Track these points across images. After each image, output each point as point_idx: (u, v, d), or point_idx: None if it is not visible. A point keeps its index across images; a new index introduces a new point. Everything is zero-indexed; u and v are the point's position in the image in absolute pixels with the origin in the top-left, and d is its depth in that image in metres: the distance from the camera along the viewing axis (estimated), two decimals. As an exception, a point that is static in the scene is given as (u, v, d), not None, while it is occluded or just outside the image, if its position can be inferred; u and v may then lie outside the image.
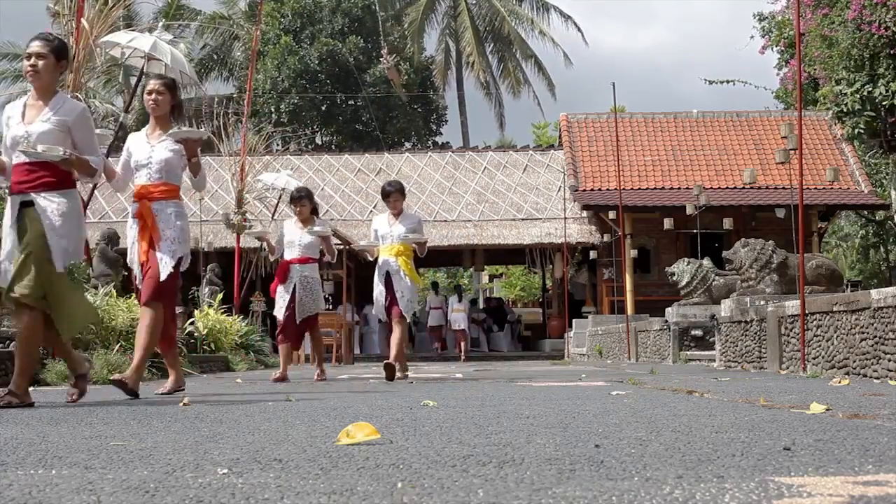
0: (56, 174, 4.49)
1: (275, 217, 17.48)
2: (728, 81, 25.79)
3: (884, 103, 18.19)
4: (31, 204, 4.45)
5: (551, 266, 24.74)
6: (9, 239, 4.48)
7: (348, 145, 31.88)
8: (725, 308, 10.31)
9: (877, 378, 6.07)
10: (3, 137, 4.66)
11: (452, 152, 26.32)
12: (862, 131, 19.37)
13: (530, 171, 25.00)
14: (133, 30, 10.42)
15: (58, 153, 4.41)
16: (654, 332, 13.56)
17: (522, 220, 23.25)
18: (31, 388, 4.68)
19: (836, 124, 22.55)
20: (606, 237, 21.22)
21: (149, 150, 5.44)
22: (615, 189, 18.42)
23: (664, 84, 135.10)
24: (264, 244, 8.88)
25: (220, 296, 14.50)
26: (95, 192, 8.81)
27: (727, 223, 19.51)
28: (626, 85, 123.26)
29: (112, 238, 12.19)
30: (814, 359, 7.34)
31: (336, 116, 33.33)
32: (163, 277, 5.26)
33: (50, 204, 4.44)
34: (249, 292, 17.04)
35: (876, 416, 3.26)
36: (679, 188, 22.23)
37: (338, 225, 20.26)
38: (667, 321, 12.78)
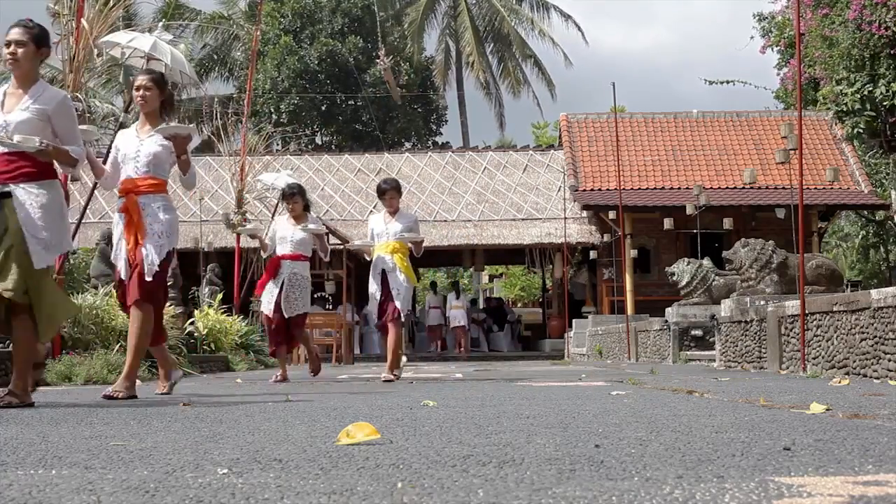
0: (36, 164, 4.36)
1: (275, 217, 17.46)
2: (728, 81, 25.81)
3: (884, 103, 18.19)
4: (10, 195, 4.29)
5: (551, 266, 24.75)
6: None
7: (348, 145, 31.87)
8: (725, 308, 10.31)
9: (877, 378, 6.07)
10: None
11: (452, 152, 26.32)
12: (862, 131, 19.37)
13: (530, 171, 25.00)
14: (133, 30, 10.42)
15: (33, 143, 4.27)
16: (654, 332, 13.56)
17: (522, 220, 23.25)
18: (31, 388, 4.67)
19: (836, 124, 22.56)
20: (606, 237, 21.22)
21: (137, 143, 5.35)
22: (615, 189, 18.42)
23: (664, 84, 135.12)
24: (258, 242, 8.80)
25: (220, 296, 14.50)
26: (95, 192, 8.80)
27: (727, 223, 19.51)
28: (626, 85, 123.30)
29: (112, 238, 12.16)
30: (814, 359, 7.34)
31: (336, 116, 33.33)
32: (149, 277, 5.14)
33: (29, 196, 4.30)
34: (249, 292, 17.02)
35: (876, 416, 3.26)
36: (679, 188, 22.23)
37: (338, 225, 20.28)
38: (667, 321, 12.78)
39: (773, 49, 24.58)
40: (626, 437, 2.63)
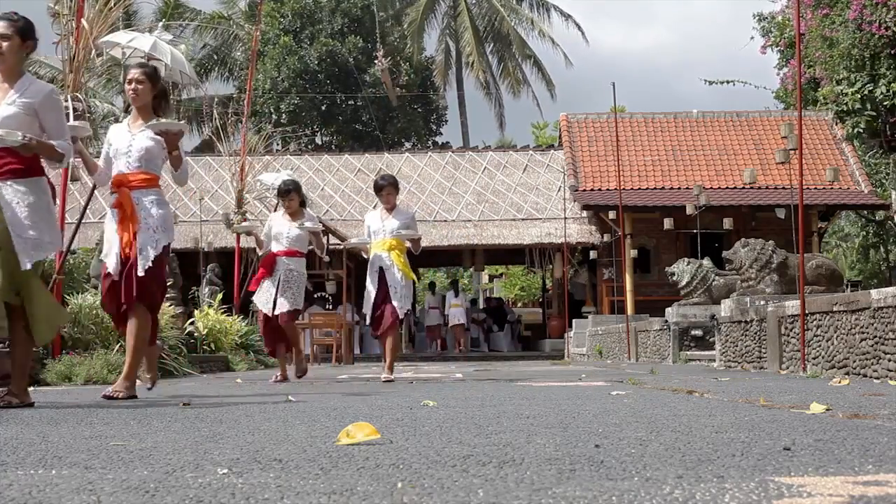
0: (23, 161, 4.25)
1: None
2: (728, 81, 25.80)
3: (885, 103, 18.19)
4: None
5: (551, 266, 24.74)
6: None
7: (348, 145, 31.87)
8: (725, 308, 10.31)
9: (877, 378, 6.07)
10: None
11: (452, 152, 26.32)
12: (862, 131, 19.37)
13: (530, 171, 25.00)
14: (133, 30, 10.41)
15: (16, 138, 4.15)
16: (654, 332, 13.56)
17: (522, 220, 23.25)
18: (30, 388, 4.67)
19: (836, 124, 22.56)
20: (606, 237, 21.22)
21: (129, 138, 5.25)
22: (615, 189, 18.42)
23: (664, 84, 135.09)
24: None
25: (220, 296, 14.50)
26: (95, 191, 8.79)
27: (727, 223, 19.51)
28: (626, 85, 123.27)
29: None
30: (814, 359, 7.34)
31: (336, 116, 33.33)
32: (141, 271, 5.03)
33: (16, 194, 4.21)
34: (249, 292, 17.02)
35: (876, 416, 3.26)
36: (679, 188, 22.23)
37: (338, 225, 20.27)
38: (667, 321, 12.78)
39: (773, 49, 24.57)
40: (626, 437, 2.63)
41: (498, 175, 24.86)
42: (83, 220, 9.17)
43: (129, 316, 5.12)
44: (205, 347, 11.61)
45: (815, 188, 21.15)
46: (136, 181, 5.18)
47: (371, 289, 7.58)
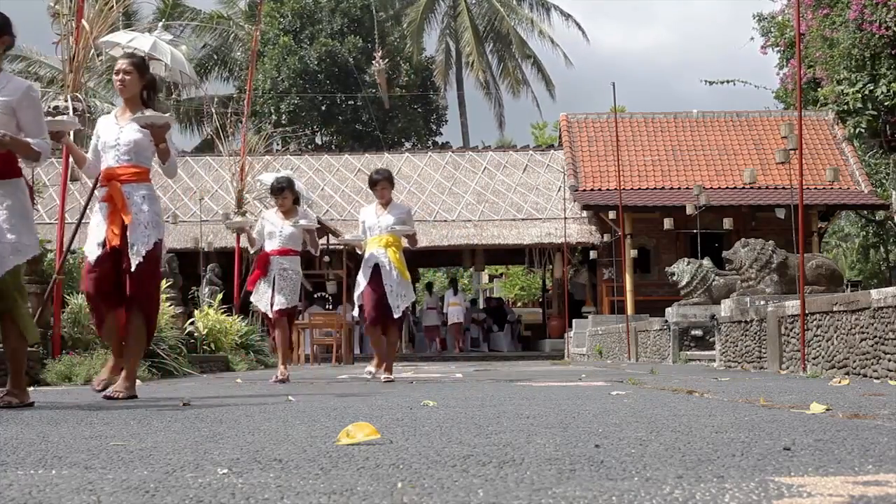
0: (0, 161, 4.14)
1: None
2: (728, 81, 25.82)
3: (885, 103, 18.20)
4: None
5: (551, 266, 24.75)
6: None
7: (348, 145, 31.88)
8: (725, 308, 10.31)
9: (877, 378, 6.07)
10: None
11: (452, 152, 26.32)
12: (864, 130, 19.39)
13: (530, 171, 25.01)
14: (133, 30, 10.41)
15: None
16: (654, 332, 13.56)
17: (522, 220, 23.25)
18: (30, 388, 4.67)
19: (837, 124, 22.56)
20: (606, 237, 21.22)
21: (117, 131, 5.12)
22: (615, 189, 18.43)
23: (664, 84, 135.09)
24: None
25: (220, 296, 14.50)
26: (95, 191, 8.79)
27: (727, 223, 19.51)
28: (626, 85, 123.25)
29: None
30: (814, 359, 7.34)
31: (336, 116, 33.33)
32: (133, 267, 4.92)
33: None
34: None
35: (876, 416, 3.26)
36: (679, 188, 22.23)
37: (338, 225, 20.28)
38: (667, 321, 12.78)
39: (773, 49, 24.58)
40: (626, 437, 2.63)
41: (498, 175, 24.87)
42: (83, 220, 9.16)
43: (126, 319, 5.06)
44: (205, 347, 11.61)
45: (815, 188, 21.15)
46: (127, 175, 5.07)
47: (362, 280, 7.43)
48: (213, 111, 18.32)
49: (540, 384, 6.57)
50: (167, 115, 5.14)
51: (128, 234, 4.98)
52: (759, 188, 21.86)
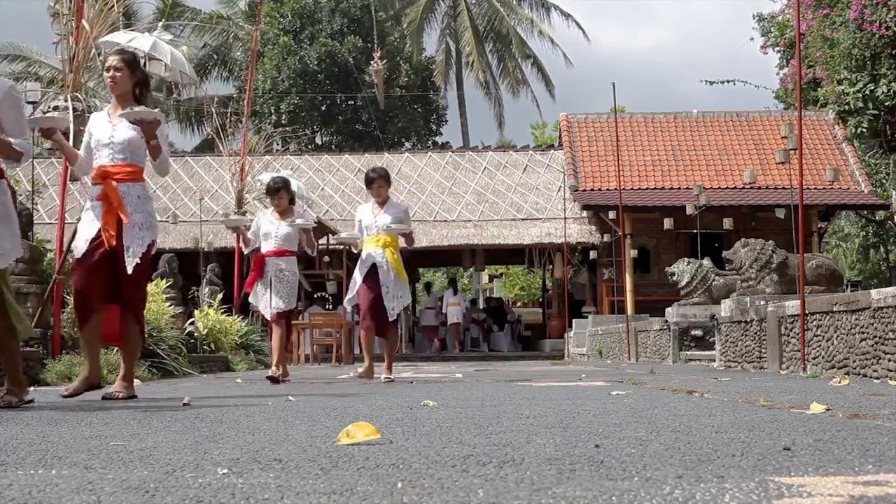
0: None
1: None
2: (728, 81, 25.82)
3: (886, 103, 18.20)
4: None
5: (551, 266, 24.75)
6: None
7: (348, 145, 31.88)
8: (725, 308, 10.31)
9: (877, 378, 6.07)
10: None
11: (452, 152, 26.32)
12: (865, 130, 19.40)
13: (530, 171, 25.01)
14: (133, 30, 10.42)
15: None
16: (654, 332, 13.56)
17: (522, 220, 23.26)
18: (30, 388, 4.67)
19: (838, 124, 22.56)
20: (606, 237, 21.23)
21: (110, 129, 5.05)
22: (615, 189, 18.43)
23: (664, 84, 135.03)
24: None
25: (220, 296, 14.50)
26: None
27: (727, 223, 19.51)
28: (626, 85, 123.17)
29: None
30: (814, 359, 7.34)
31: (336, 116, 33.34)
32: (129, 269, 4.88)
33: None
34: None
35: (876, 416, 3.26)
36: (679, 188, 22.23)
37: (338, 225, 20.27)
38: (667, 321, 12.78)
39: (773, 49, 24.59)
40: (626, 437, 2.63)
41: (498, 175, 24.87)
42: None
43: (123, 318, 5.04)
44: (205, 347, 11.61)
45: (815, 188, 21.16)
46: (121, 174, 5.00)
47: (358, 278, 7.37)
48: (213, 111, 18.31)
49: (540, 384, 6.57)
50: (156, 110, 5.07)
51: (123, 235, 4.93)
52: (759, 188, 21.86)
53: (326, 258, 21.89)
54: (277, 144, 26.98)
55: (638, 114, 25.20)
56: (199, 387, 6.81)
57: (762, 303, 9.55)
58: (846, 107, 18.73)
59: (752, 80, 45.43)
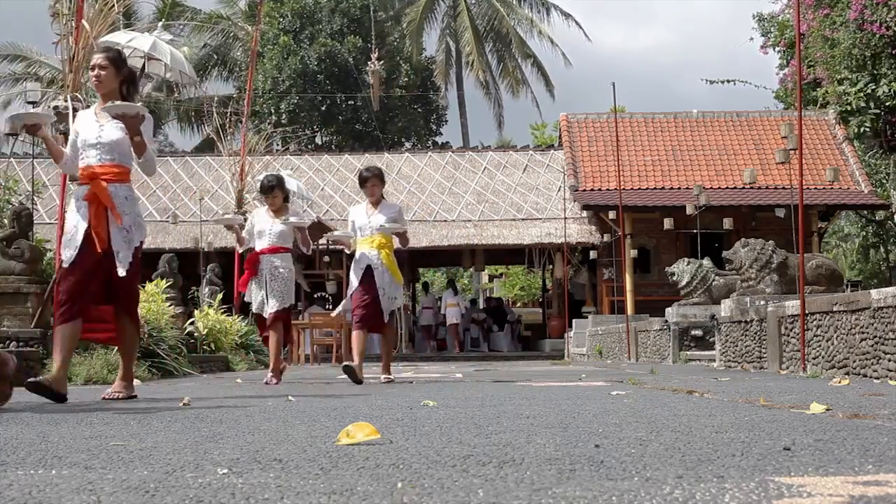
0: None
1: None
2: (728, 81, 25.83)
3: (887, 103, 18.21)
4: None
5: (551, 266, 24.75)
6: None
7: (348, 145, 31.89)
8: (725, 308, 10.31)
9: (877, 378, 6.07)
10: None
11: (452, 152, 26.33)
12: (867, 130, 19.40)
13: (530, 171, 25.01)
14: (133, 30, 10.42)
15: None
16: (654, 332, 13.56)
17: (522, 220, 23.26)
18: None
19: (838, 124, 22.56)
20: (606, 237, 21.23)
21: (97, 129, 4.94)
22: (615, 189, 18.43)
23: (664, 84, 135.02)
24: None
25: (220, 296, 14.50)
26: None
27: (727, 223, 19.51)
28: (626, 85, 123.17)
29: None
30: (814, 359, 7.34)
31: (336, 116, 33.34)
32: (122, 273, 4.81)
33: None
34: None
35: (876, 416, 3.26)
36: (679, 188, 22.24)
37: (337, 225, 20.27)
38: (667, 321, 12.78)
39: (773, 49, 24.59)
40: (626, 437, 2.63)
41: (498, 175, 24.87)
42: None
43: (118, 320, 5.03)
44: (205, 347, 11.61)
45: (815, 188, 21.16)
46: (109, 175, 4.90)
47: (354, 281, 7.32)
48: (213, 111, 18.31)
49: (540, 384, 6.57)
50: (139, 104, 4.96)
51: (112, 238, 4.86)
52: (759, 188, 21.86)
53: (326, 258, 21.89)
54: (277, 144, 26.98)
55: (638, 114, 25.21)
56: (199, 387, 6.81)
57: (762, 303, 9.55)
58: (848, 107, 18.73)
59: (752, 80, 45.44)
